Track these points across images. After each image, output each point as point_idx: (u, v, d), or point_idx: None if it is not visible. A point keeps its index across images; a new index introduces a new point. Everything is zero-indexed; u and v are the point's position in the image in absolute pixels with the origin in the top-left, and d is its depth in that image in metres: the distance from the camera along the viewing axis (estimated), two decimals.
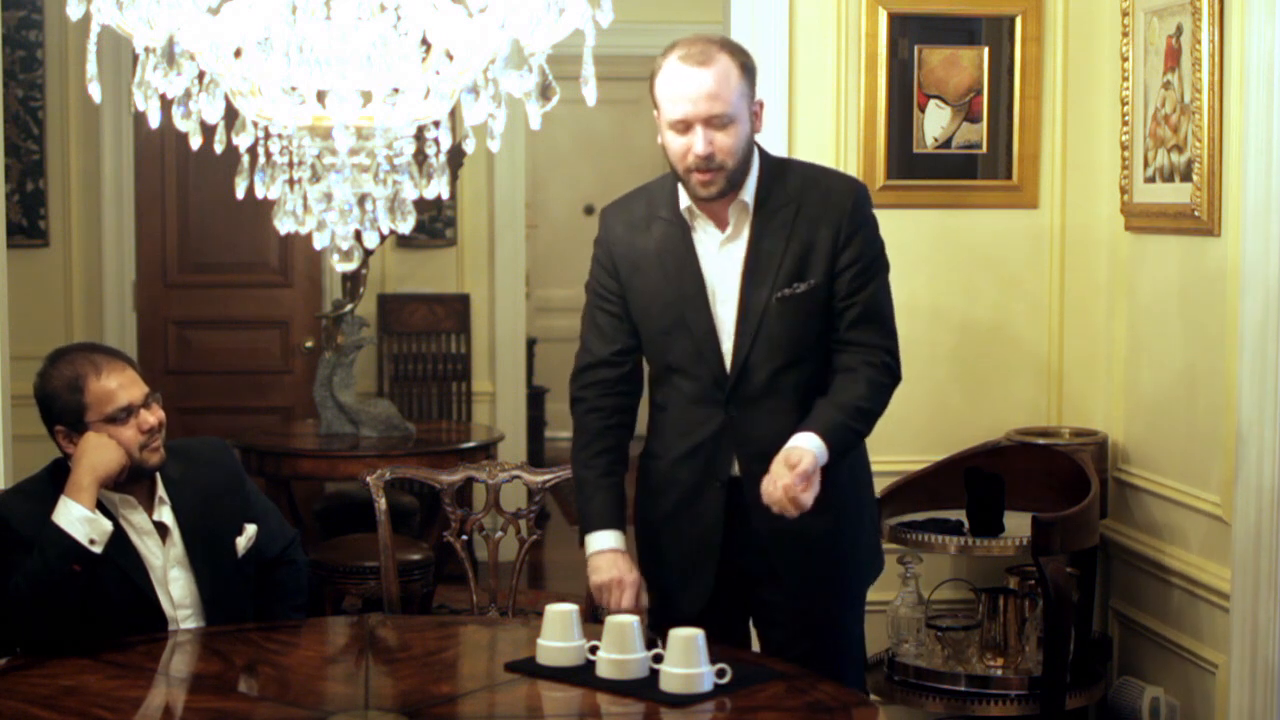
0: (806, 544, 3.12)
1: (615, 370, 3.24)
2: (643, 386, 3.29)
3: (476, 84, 2.23)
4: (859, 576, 3.27)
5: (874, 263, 3.14)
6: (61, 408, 3.14)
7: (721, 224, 3.13)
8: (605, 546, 3.16)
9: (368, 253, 2.82)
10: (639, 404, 3.28)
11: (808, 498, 2.91)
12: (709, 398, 3.13)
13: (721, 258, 3.13)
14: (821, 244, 3.09)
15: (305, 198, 2.39)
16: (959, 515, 4.19)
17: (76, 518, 3.04)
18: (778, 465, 2.94)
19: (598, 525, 3.18)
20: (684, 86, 3.01)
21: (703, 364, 3.13)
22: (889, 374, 3.13)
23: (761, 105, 3.12)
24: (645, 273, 3.17)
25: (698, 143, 3.01)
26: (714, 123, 3.01)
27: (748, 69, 3.07)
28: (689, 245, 3.14)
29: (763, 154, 3.17)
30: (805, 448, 2.96)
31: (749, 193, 3.11)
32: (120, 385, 3.15)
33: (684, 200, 3.14)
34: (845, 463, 3.12)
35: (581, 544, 3.21)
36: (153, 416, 3.17)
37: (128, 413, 3.13)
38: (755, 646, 3.33)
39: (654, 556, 3.24)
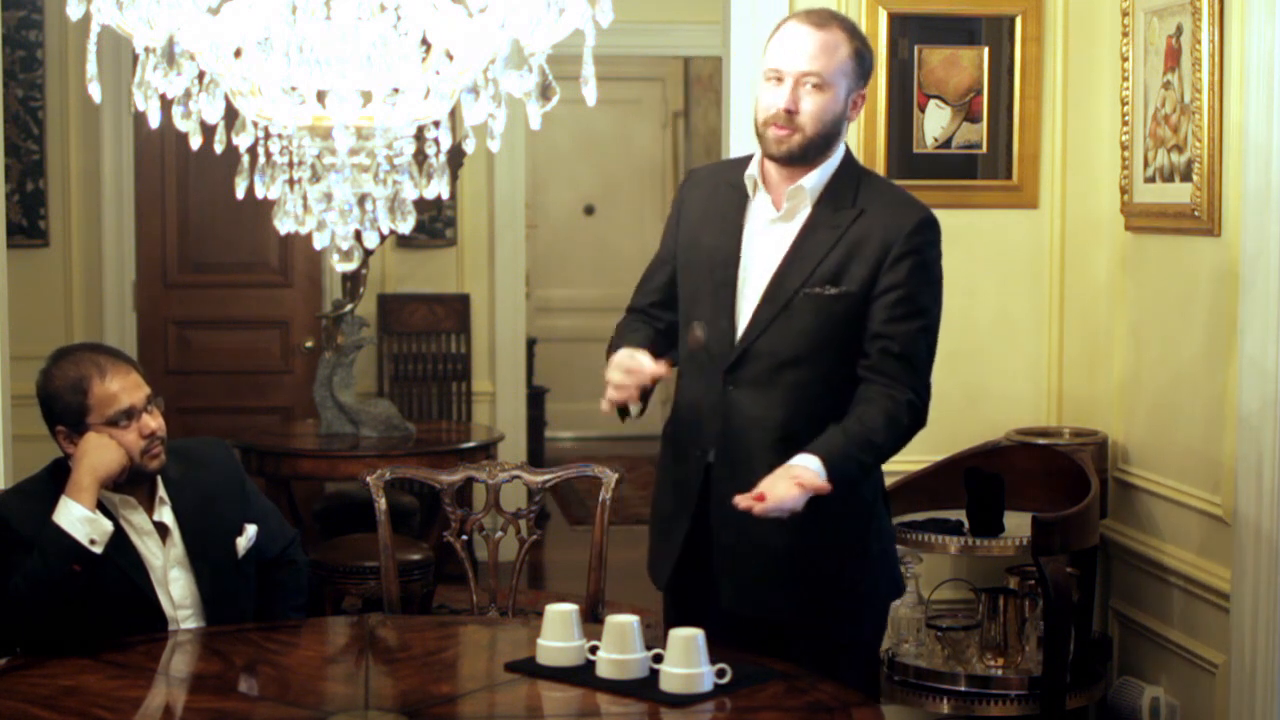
0: (760, 556, 3.06)
1: (653, 320, 3.28)
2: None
3: (476, 84, 2.23)
4: (840, 598, 3.14)
5: (919, 299, 3.03)
6: (63, 408, 3.14)
7: (777, 203, 3.11)
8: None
9: (368, 253, 2.82)
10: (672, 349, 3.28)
11: (794, 492, 2.87)
12: (714, 365, 3.11)
13: (766, 236, 3.11)
14: (868, 255, 3.02)
15: (305, 198, 2.38)
16: (959, 515, 4.19)
17: (77, 518, 3.04)
18: (779, 475, 2.90)
19: (621, 345, 3.15)
20: (791, 38, 3.03)
21: (715, 330, 3.11)
22: (912, 414, 3.04)
23: (863, 98, 3.10)
24: (694, 228, 3.20)
25: (783, 95, 3.01)
26: (806, 81, 3.01)
27: (861, 56, 3.07)
28: (740, 213, 3.14)
29: (848, 156, 3.14)
30: (807, 466, 2.92)
31: (812, 180, 3.07)
32: (123, 388, 3.14)
33: (752, 168, 3.13)
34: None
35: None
36: (154, 421, 3.17)
37: (129, 416, 3.13)
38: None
39: (652, 510, 3.28)
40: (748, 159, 3.22)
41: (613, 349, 3.16)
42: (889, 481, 4.25)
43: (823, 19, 3.05)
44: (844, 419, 3.01)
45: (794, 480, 2.88)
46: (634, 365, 3.02)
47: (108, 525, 3.08)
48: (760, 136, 3.09)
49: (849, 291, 3.02)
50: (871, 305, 3.03)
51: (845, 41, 3.04)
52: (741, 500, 2.89)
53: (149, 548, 3.19)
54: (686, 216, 3.24)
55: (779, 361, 3.07)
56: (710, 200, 3.20)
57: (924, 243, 3.05)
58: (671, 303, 3.25)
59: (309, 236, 2.40)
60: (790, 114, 3.01)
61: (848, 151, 3.14)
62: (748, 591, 3.11)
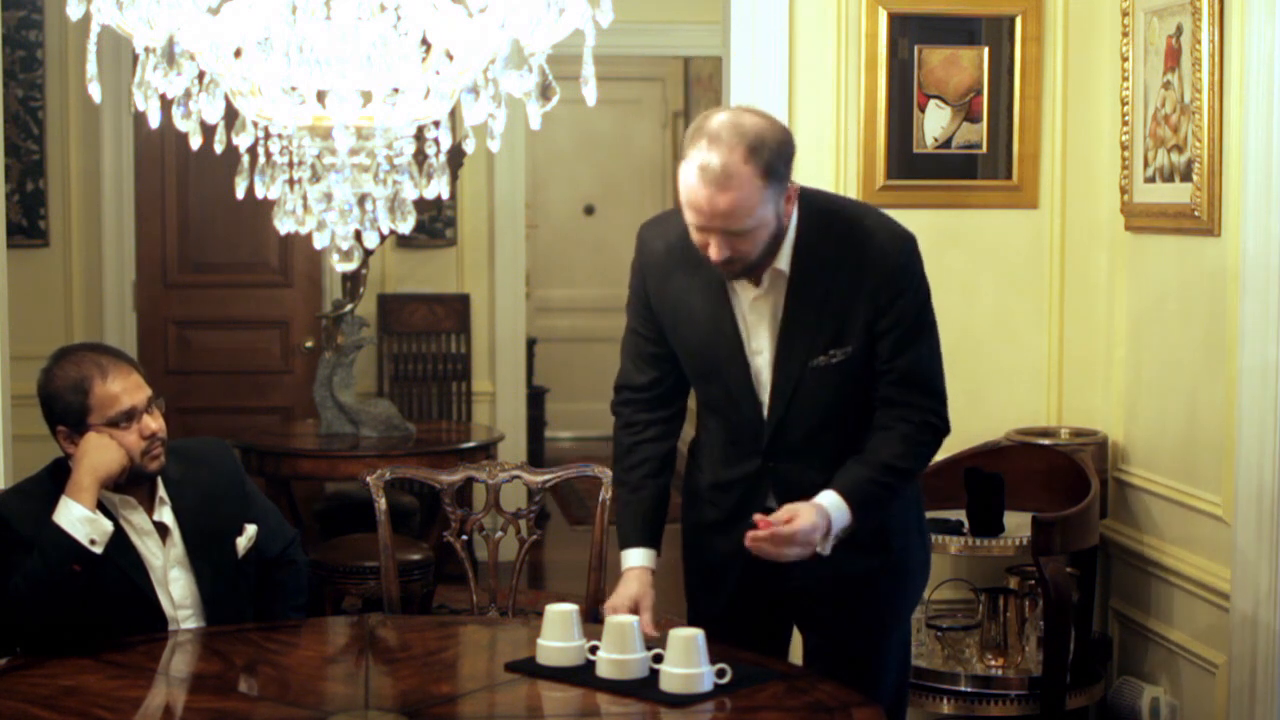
0: (846, 585, 3.06)
1: (649, 394, 3.18)
2: (686, 396, 3.21)
3: (476, 84, 2.23)
4: (903, 602, 3.21)
5: (915, 324, 3.00)
6: (64, 409, 3.14)
7: (756, 282, 3.01)
8: (629, 565, 3.13)
9: (368, 253, 2.82)
10: (684, 410, 3.23)
11: (790, 553, 2.88)
12: (747, 442, 3.08)
13: (755, 311, 3.03)
14: (859, 310, 2.97)
15: (305, 198, 2.39)
16: (959, 515, 4.19)
17: (77, 518, 3.04)
18: (780, 513, 2.91)
19: (625, 543, 3.16)
20: (700, 200, 2.83)
21: (739, 412, 3.07)
22: (930, 431, 3.03)
23: (796, 190, 2.91)
24: (680, 312, 3.09)
25: (715, 247, 2.87)
26: (732, 232, 2.85)
27: (773, 172, 2.83)
28: (724, 294, 3.03)
29: (804, 207, 2.97)
30: (818, 504, 2.91)
31: (785, 261, 2.97)
32: (125, 390, 3.14)
33: None
34: (896, 505, 3.07)
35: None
36: (154, 422, 3.17)
37: (130, 417, 3.13)
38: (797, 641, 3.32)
39: (685, 557, 3.25)
40: None
41: (621, 533, 3.15)
42: None
43: (724, 172, 2.79)
44: (864, 449, 3.00)
45: (804, 541, 2.88)
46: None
47: (108, 525, 3.08)
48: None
49: (854, 351, 2.99)
50: (875, 345, 2.99)
51: (752, 176, 2.80)
52: (752, 541, 2.88)
53: (149, 548, 3.19)
54: (666, 299, 3.09)
55: (810, 430, 3.04)
56: (688, 283, 3.06)
57: (909, 275, 3.00)
58: (664, 371, 3.15)
59: (309, 236, 2.40)
60: (728, 261, 2.89)
61: (802, 203, 2.98)
62: (827, 613, 3.12)
